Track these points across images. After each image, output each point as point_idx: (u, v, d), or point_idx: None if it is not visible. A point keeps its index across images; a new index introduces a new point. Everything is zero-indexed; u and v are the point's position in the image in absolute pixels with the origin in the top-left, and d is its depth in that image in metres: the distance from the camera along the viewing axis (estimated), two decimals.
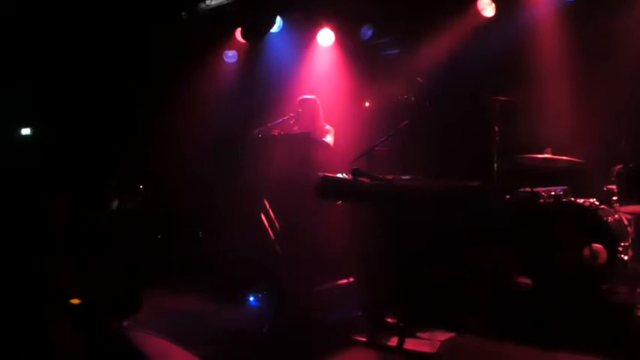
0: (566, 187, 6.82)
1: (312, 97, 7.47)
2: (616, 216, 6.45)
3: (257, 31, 9.28)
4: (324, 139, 7.12)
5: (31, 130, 9.62)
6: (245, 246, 7.45)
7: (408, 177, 6.02)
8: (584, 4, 7.58)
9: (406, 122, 6.77)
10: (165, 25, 9.28)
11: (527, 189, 6.93)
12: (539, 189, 6.88)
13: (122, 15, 8.82)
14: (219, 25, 9.52)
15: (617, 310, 5.85)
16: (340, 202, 6.35)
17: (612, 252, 6.11)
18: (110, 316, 4.11)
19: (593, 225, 6.27)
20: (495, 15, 8.14)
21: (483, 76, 7.86)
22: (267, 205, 6.93)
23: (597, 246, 6.12)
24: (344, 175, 5.76)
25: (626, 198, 6.43)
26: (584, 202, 6.49)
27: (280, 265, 6.68)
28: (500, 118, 7.18)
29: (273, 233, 6.82)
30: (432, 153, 8.20)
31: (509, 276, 6.64)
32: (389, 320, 5.90)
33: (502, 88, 7.28)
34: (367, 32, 8.99)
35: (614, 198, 6.53)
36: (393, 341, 5.37)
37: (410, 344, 5.34)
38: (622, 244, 6.23)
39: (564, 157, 6.82)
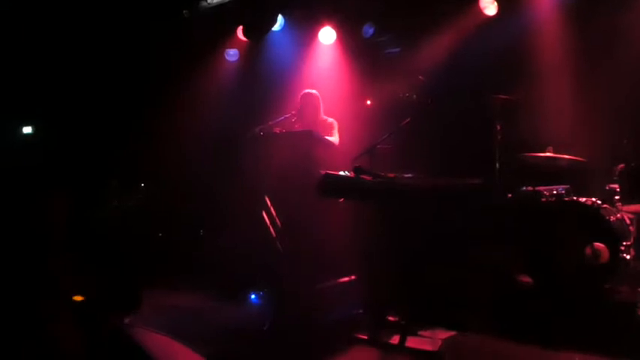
0: (568, 185, 6.82)
1: (313, 91, 7.47)
2: (618, 215, 6.44)
3: (258, 30, 9.27)
4: (329, 137, 7.11)
5: (32, 128, 9.62)
6: (246, 244, 7.45)
7: (409, 175, 6.02)
8: (586, 1, 7.57)
9: (408, 120, 6.76)
10: (166, 23, 9.27)
11: (529, 187, 6.93)
12: (541, 188, 6.88)
13: (123, 14, 8.82)
14: (220, 24, 9.51)
15: (618, 309, 5.84)
16: (342, 199, 6.35)
17: (614, 251, 6.09)
18: (111, 314, 4.11)
19: (595, 224, 6.26)
20: (497, 13, 8.12)
21: (485, 74, 7.85)
22: (269, 203, 6.93)
23: (599, 245, 6.11)
24: (346, 172, 5.75)
25: (628, 197, 6.43)
26: (586, 201, 6.48)
27: (281, 263, 6.68)
28: (501, 117, 7.18)
29: (274, 231, 6.82)
30: (433, 151, 8.19)
31: (510, 274, 6.64)
32: (390, 318, 5.89)
33: (504, 86, 7.29)
34: (368, 30, 8.99)
35: (616, 197, 6.52)
36: (395, 339, 5.37)
37: (411, 342, 5.34)
38: (624, 243, 6.22)
39: (566, 156, 6.82)
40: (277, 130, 7.08)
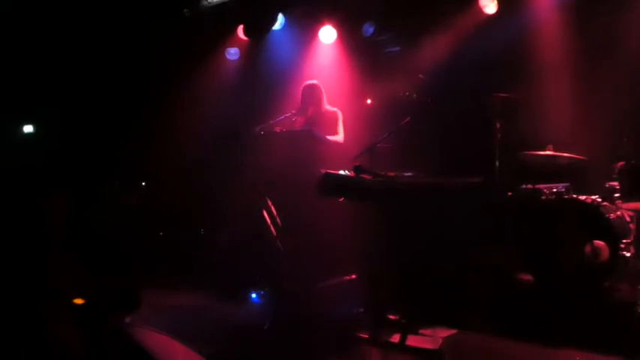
0: (567, 184, 6.84)
1: (315, 82, 7.49)
2: (618, 213, 6.44)
3: (259, 29, 9.28)
4: (333, 137, 7.11)
5: (33, 127, 9.62)
6: (247, 243, 7.46)
7: (410, 174, 6.02)
8: (586, 1, 7.57)
9: (408, 119, 6.77)
10: (167, 22, 9.28)
11: (529, 186, 6.93)
12: (541, 186, 6.89)
13: (123, 13, 8.82)
14: (220, 23, 9.52)
15: (618, 308, 5.85)
16: (342, 199, 6.35)
17: (614, 249, 6.10)
18: (111, 314, 4.11)
19: (594, 222, 6.26)
20: (497, 12, 8.13)
21: (485, 73, 7.85)
22: (269, 202, 6.94)
23: (599, 243, 6.12)
24: (346, 171, 5.75)
25: (628, 195, 6.41)
26: (585, 199, 6.49)
27: (282, 262, 6.69)
28: (501, 115, 7.19)
29: (274, 230, 6.82)
30: (433, 150, 8.20)
31: (510, 273, 6.65)
32: (391, 317, 5.89)
33: (504, 85, 7.29)
34: (369, 29, 8.99)
35: (616, 195, 6.52)
36: (395, 338, 5.37)
37: (412, 341, 5.33)
38: (624, 241, 6.24)
39: (566, 154, 6.82)
40: (278, 129, 7.09)
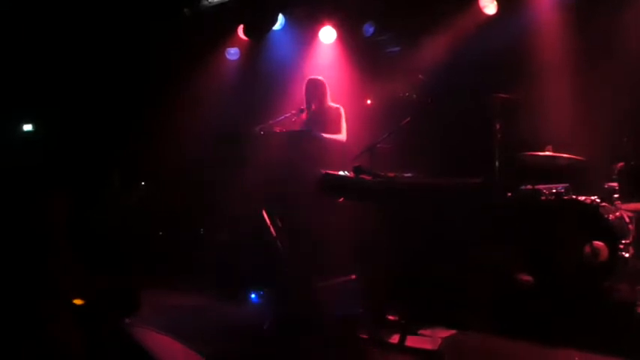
0: (567, 184, 6.84)
1: (319, 77, 7.48)
2: (617, 213, 6.45)
3: (259, 29, 9.28)
4: (335, 136, 7.11)
5: (32, 126, 9.62)
6: (246, 243, 7.46)
7: (409, 174, 6.02)
8: (586, 1, 7.57)
9: (408, 119, 6.77)
10: (167, 22, 9.27)
11: (529, 186, 6.93)
12: (541, 186, 6.89)
13: (123, 12, 8.82)
14: (220, 23, 9.51)
15: (617, 308, 5.85)
16: (342, 199, 6.36)
17: (613, 249, 6.11)
18: (110, 315, 4.11)
19: (594, 222, 6.27)
20: (497, 12, 8.13)
21: (485, 73, 7.85)
22: (269, 202, 6.94)
23: (598, 243, 6.12)
24: (345, 172, 5.76)
25: (627, 195, 6.43)
26: (585, 199, 6.50)
27: (281, 262, 6.69)
28: (501, 116, 7.19)
29: (274, 230, 6.82)
30: (433, 150, 8.20)
31: (510, 273, 6.65)
32: (390, 317, 5.90)
33: (503, 86, 7.30)
34: (369, 29, 9.00)
35: (616, 195, 6.53)
36: (395, 338, 5.36)
37: (411, 341, 5.33)
38: (623, 241, 6.23)
39: (565, 155, 6.83)
40: (277, 129, 7.09)
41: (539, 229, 6.61)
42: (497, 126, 7.17)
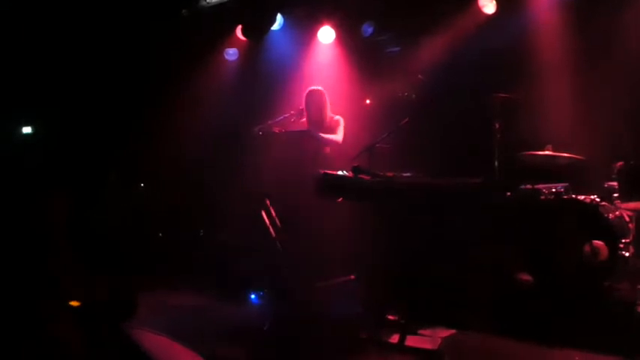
0: (567, 183, 6.84)
1: (319, 88, 7.45)
2: (617, 213, 6.45)
3: (258, 29, 9.27)
4: (331, 136, 7.11)
5: (32, 128, 9.61)
6: (246, 243, 7.46)
7: (408, 174, 6.02)
8: (585, 0, 7.57)
9: (407, 119, 6.77)
10: (166, 23, 9.27)
11: (528, 186, 6.94)
12: (540, 186, 6.90)
13: (122, 13, 8.81)
14: (219, 23, 9.51)
15: (617, 307, 5.85)
16: (341, 199, 6.35)
17: (613, 249, 6.11)
18: (108, 316, 4.11)
19: (593, 222, 6.27)
20: (496, 12, 8.13)
21: (484, 73, 7.85)
22: (268, 203, 6.93)
23: (598, 243, 6.13)
24: (344, 172, 5.75)
25: (627, 195, 6.43)
26: (584, 198, 6.50)
27: (281, 263, 6.69)
28: (501, 115, 7.20)
29: (273, 230, 6.82)
30: (432, 150, 8.20)
31: (510, 273, 6.65)
32: (390, 317, 5.90)
33: (503, 85, 7.31)
34: (368, 29, 8.99)
35: (615, 195, 6.53)
36: (394, 338, 5.37)
37: (411, 341, 5.33)
38: (623, 240, 6.23)
39: (565, 154, 6.83)
40: (276, 129, 7.08)
41: (539, 228, 6.62)
42: (497, 126, 7.18)
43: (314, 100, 7.32)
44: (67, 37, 8.79)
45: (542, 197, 6.80)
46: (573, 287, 6.14)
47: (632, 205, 6.39)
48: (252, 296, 6.99)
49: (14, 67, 8.53)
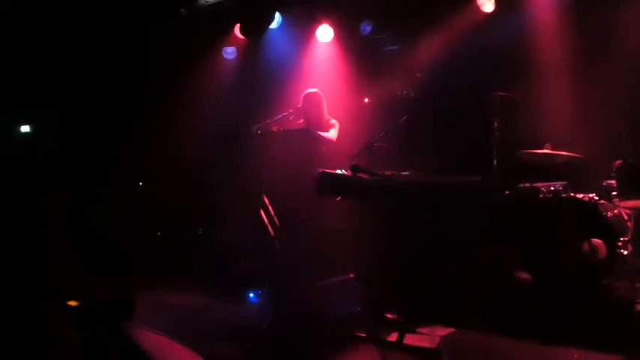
0: (565, 182, 6.84)
1: (316, 90, 7.44)
2: (615, 211, 6.45)
3: (256, 28, 9.26)
4: (325, 134, 7.11)
5: (30, 127, 9.59)
6: (244, 242, 7.46)
7: (407, 173, 6.02)
8: None
9: (405, 118, 6.77)
10: (164, 21, 9.25)
11: (527, 184, 6.94)
12: (539, 184, 6.90)
13: (121, 12, 8.80)
14: (217, 22, 9.49)
15: (616, 305, 5.86)
16: (339, 197, 6.35)
17: (612, 247, 6.11)
18: (108, 316, 4.11)
19: (592, 220, 6.27)
20: (495, 10, 8.13)
21: (483, 71, 7.86)
22: (267, 201, 6.93)
23: (597, 241, 6.13)
24: (343, 170, 5.75)
25: (625, 193, 6.43)
26: (583, 197, 6.50)
27: (280, 262, 6.69)
28: (499, 114, 7.19)
29: (272, 229, 6.82)
30: (431, 149, 8.21)
31: (508, 271, 6.65)
32: (389, 316, 5.90)
33: (502, 84, 7.30)
34: (366, 28, 8.98)
35: (614, 193, 6.53)
36: (393, 337, 5.37)
37: (410, 339, 5.33)
38: (621, 239, 6.24)
39: (564, 153, 6.84)
40: (275, 128, 7.08)
41: (538, 227, 6.62)
42: (496, 124, 7.17)
43: (310, 102, 7.32)
44: (66, 36, 8.77)
45: (541, 196, 6.80)
46: (572, 286, 6.14)
47: (631, 203, 6.39)
48: (251, 295, 6.99)
49: (14, 66, 8.52)
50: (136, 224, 8.81)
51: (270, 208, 6.86)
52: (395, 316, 5.84)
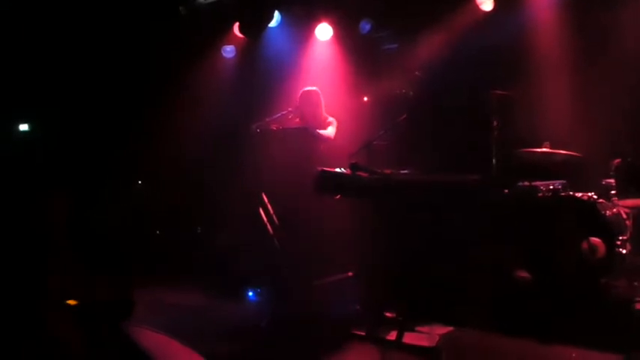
0: (564, 181, 6.84)
1: (314, 88, 7.43)
2: (614, 210, 6.46)
3: (255, 26, 9.25)
4: (323, 131, 7.10)
5: (29, 126, 9.58)
6: (243, 241, 7.46)
7: (406, 171, 6.03)
8: None
9: (404, 116, 6.78)
10: (163, 20, 9.24)
11: (526, 183, 6.94)
12: (538, 183, 6.91)
13: (120, 11, 8.79)
14: (216, 20, 9.48)
15: (615, 304, 5.86)
16: (338, 196, 6.35)
17: (610, 246, 6.12)
18: (107, 316, 4.12)
19: (591, 219, 6.27)
20: (494, 9, 8.13)
21: (482, 70, 7.86)
22: (266, 200, 6.94)
23: (595, 240, 6.13)
24: (342, 169, 5.75)
25: (624, 192, 6.44)
26: (582, 195, 6.50)
27: (279, 260, 6.69)
28: (498, 113, 7.20)
29: (271, 228, 6.82)
30: (430, 147, 8.21)
31: (507, 270, 6.66)
32: (388, 314, 5.91)
33: (500, 82, 7.30)
34: (365, 26, 8.98)
35: (613, 192, 6.54)
36: (392, 335, 5.37)
37: (409, 338, 5.34)
38: (620, 237, 6.25)
39: (563, 151, 6.84)
40: (274, 126, 7.08)
41: (536, 225, 6.62)
42: (495, 122, 7.17)
43: (307, 100, 7.31)
44: (66, 35, 8.76)
45: (540, 194, 6.81)
46: (570, 285, 6.14)
47: (630, 202, 6.40)
48: (250, 294, 7.00)
49: (14, 66, 8.51)
50: (136, 224, 8.81)
51: (269, 206, 6.87)
52: (394, 315, 5.85)
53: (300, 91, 7.41)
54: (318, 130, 7.04)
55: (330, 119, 7.32)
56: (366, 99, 9.47)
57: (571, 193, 6.65)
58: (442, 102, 8.16)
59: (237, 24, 9.38)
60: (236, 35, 9.50)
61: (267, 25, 9.20)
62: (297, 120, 7.28)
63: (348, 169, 5.63)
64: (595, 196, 6.47)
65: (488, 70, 7.80)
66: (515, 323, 5.46)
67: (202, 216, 9.31)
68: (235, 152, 8.18)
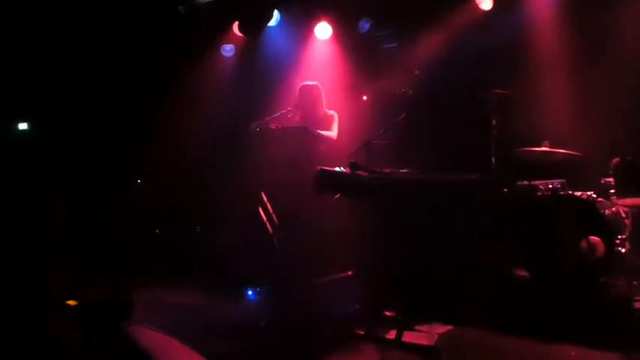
0: (563, 180, 6.84)
1: (314, 83, 7.41)
2: (613, 209, 6.46)
3: (255, 25, 9.25)
4: (326, 132, 7.09)
5: (29, 125, 9.58)
6: (243, 241, 7.46)
7: (405, 170, 6.03)
8: None
9: (404, 115, 6.78)
10: (163, 19, 9.23)
11: (525, 182, 6.94)
12: (537, 182, 6.90)
13: (120, 11, 8.79)
14: (216, 20, 9.48)
15: (614, 303, 5.87)
16: (338, 195, 6.35)
17: (609, 244, 6.12)
18: (107, 316, 4.12)
19: (590, 218, 6.28)
20: (493, 8, 8.14)
21: (481, 69, 7.86)
22: (265, 199, 6.94)
23: (594, 239, 6.14)
24: (341, 168, 5.75)
25: (623, 191, 6.45)
26: (581, 194, 6.50)
27: (278, 259, 6.69)
28: (497, 112, 7.20)
29: (271, 227, 6.83)
30: (429, 146, 8.21)
31: (506, 269, 6.66)
32: (387, 313, 5.91)
33: (500, 81, 7.30)
34: (365, 25, 8.98)
35: (612, 191, 6.55)
36: (392, 334, 5.38)
37: (408, 337, 5.35)
38: (619, 236, 6.25)
39: (562, 150, 6.84)
40: (273, 125, 7.07)
41: (535, 225, 6.62)
42: (494, 121, 7.17)
43: (307, 95, 7.29)
44: (66, 35, 8.76)
45: (539, 193, 6.81)
46: (570, 284, 6.14)
47: (629, 201, 6.41)
48: (250, 293, 7.00)
49: (14, 65, 8.51)
50: (136, 224, 8.81)
51: (268, 206, 6.87)
52: (393, 314, 5.85)
53: (300, 85, 7.40)
54: (318, 130, 7.03)
55: (331, 113, 7.28)
56: (365, 98, 9.46)
57: (570, 192, 6.65)
58: (441, 101, 8.16)
59: (236, 23, 9.38)
60: (235, 34, 9.50)
61: (266, 24, 9.20)
62: (297, 119, 7.27)
63: (348, 168, 5.64)
64: (594, 195, 6.48)
65: (487, 70, 7.80)
66: (514, 322, 5.47)
67: (202, 216, 9.31)
68: (235, 152, 8.18)
